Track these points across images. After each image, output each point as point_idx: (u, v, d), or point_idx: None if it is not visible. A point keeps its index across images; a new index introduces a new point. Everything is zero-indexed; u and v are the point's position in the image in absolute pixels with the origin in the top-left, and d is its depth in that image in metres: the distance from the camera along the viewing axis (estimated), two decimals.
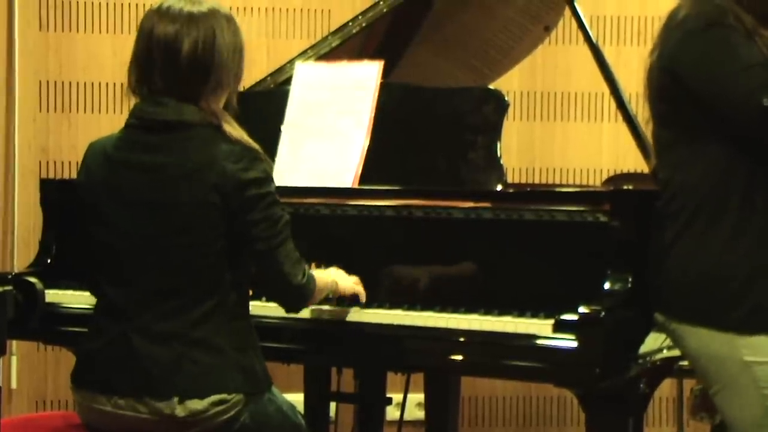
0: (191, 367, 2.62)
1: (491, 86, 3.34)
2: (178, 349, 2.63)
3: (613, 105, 3.61)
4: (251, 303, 2.85)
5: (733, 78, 2.53)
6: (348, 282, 2.94)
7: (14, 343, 4.65)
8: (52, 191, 3.50)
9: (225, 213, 2.63)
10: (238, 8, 4.81)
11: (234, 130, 2.68)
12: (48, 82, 4.83)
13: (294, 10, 4.94)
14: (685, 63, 2.61)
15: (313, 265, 3.00)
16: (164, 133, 2.67)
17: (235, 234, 2.65)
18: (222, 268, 2.66)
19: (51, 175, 4.76)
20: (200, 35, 2.63)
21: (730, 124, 2.57)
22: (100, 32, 4.85)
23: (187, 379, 2.62)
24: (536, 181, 4.98)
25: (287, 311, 2.84)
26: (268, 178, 2.68)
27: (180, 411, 2.62)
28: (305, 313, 2.95)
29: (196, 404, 2.62)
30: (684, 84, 2.61)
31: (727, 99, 2.54)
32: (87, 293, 3.08)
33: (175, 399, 2.62)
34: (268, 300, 2.95)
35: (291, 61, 3.58)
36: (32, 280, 3.15)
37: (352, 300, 2.96)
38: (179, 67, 2.64)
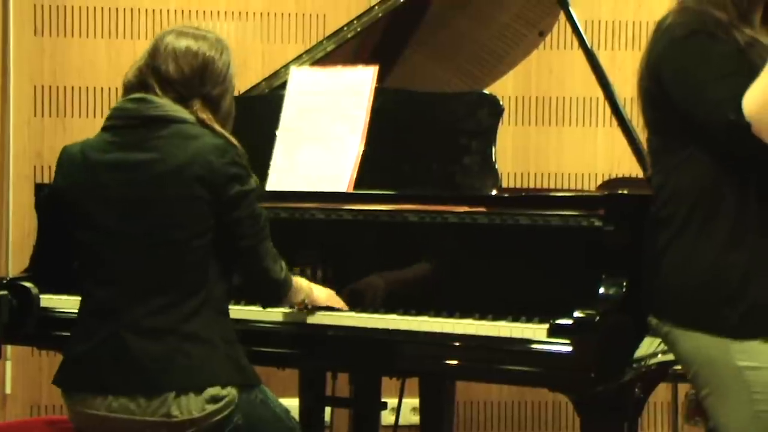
0: (185, 360, 2.64)
1: (486, 91, 3.34)
2: (171, 343, 2.64)
3: (608, 110, 3.62)
4: (246, 308, 2.84)
5: (705, 87, 2.51)
6: (322, 293, 2.96)
7: (8, 347, 4.64)
8: (46, 196, 3.49)
9: (213, 207, 2.66)
10: (233, 13, 4.81)
11: (216, 125, 2.74)
12: (43, 86, 4.83)
13: (289, 14, 4.94)
14: (666, 70, 2.60)
15: (302, 270, 3.00)
16: (146, 129, 2.70)
17: (221, 229, 2.68)
18: (208, 263, 2.69)
19: (46, 180, 4.75)
20: (211, 50, 2.77)
21: (703, 133, 2.56)
22: (95, 37, 4.85)
23: (181, 373, 2.63)
24: (531, 186, 4.98)
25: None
26: (250, 174, 2.74)
27: (174, 409, 2.62)
28: (300, 318, 2.96)
29: (191, 402, 2.62)
30: (666, 91, 2.60)
31: (698, 108, 2.53)
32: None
33: (171, 395, 2.62)
34: (247, 295, 2.97)
35: (286, 66, 3.58)
36: (27, 284, 3.15)
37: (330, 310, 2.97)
38: (184, 71, 2.73)
